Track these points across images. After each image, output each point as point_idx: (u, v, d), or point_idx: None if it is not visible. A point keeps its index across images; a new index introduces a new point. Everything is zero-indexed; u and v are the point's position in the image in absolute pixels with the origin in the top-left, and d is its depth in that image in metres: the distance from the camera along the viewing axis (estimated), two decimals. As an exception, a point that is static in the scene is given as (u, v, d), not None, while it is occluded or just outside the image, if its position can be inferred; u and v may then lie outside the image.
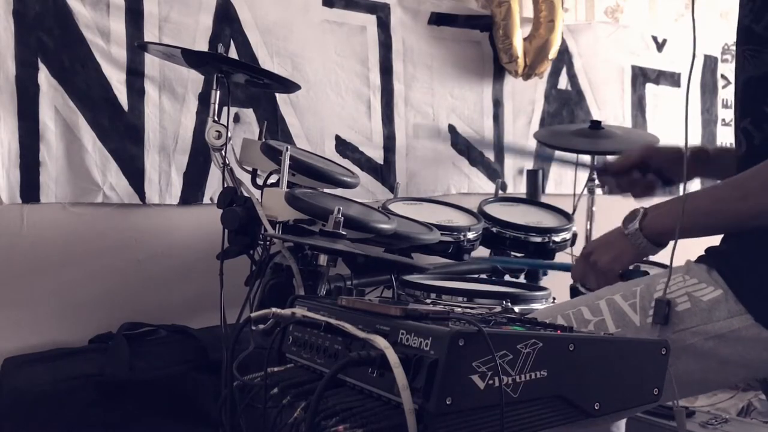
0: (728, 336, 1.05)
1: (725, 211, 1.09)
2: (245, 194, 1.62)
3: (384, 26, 2.48)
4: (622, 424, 1.23)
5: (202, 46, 2.11)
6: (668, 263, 1.12)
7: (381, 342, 0.78)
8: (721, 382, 1.19)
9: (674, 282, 1.11)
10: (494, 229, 2.06)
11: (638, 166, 1.46)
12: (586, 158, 2.71)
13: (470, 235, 1.93)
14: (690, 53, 1.13)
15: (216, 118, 1.71)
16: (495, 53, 2.70)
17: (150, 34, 2.03)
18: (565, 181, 2.94)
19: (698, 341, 1.06)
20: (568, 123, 2.93)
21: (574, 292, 1.89)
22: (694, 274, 1.10)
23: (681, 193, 1.12)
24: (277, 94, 2.24)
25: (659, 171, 1.45)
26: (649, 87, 3.24)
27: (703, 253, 1.15)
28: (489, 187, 2.69)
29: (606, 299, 1.14)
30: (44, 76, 1.89)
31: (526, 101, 2.86)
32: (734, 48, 1.20)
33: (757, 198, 1.05)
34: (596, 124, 2.50)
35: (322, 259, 1.51)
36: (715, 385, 1.22)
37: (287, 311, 0.91)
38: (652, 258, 1.41)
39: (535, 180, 2.63)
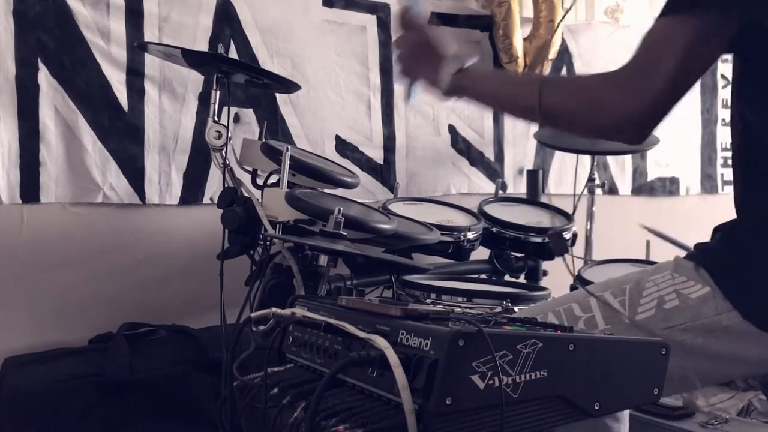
0: (717, 333, 1.06)
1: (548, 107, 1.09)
2: (245, 194, 1.62)
3: (384, 26, 2.48)
4: (625, 420, 1.22)
5: (202, 46, 2.11)
6: (657, 262, 1.13)
7: (381, 342, 0.78)
8: (713, 378, 1.19)
9: (663, 279, 1.11)
10: (494, 229, 2.07)
11: None
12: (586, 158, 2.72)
13: (470, 235, 1.93)
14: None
15: (216, 118, 1.71)
16: (495, 53, 2.70)
17: (150, 34, 2.03)
18: (565, 181, 2.94)
19: (688, 338, 1.07)
20: (568, 123, 2.93)
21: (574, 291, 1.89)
22: (682, 272, 1.11)
23: None
24: (277, 94, 2.24)
25: None
26: (649, 87, 3.24)
27: (692, 249, 1.16)
28: (489, 187, 2.69)
29: (596, 296, 1.15)
30: (44, 76, 1.89)
31: (526, 101, 2.86)
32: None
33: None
34: (596, 124, 2.49)
35: (323, 260, 1.51)
36: (708, 381, 1.22)
37: (287, 311, 0.91)
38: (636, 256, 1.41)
39: (535, 180, 2.63)
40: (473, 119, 2.71)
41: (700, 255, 1.12)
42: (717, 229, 1.15)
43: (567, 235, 2.12)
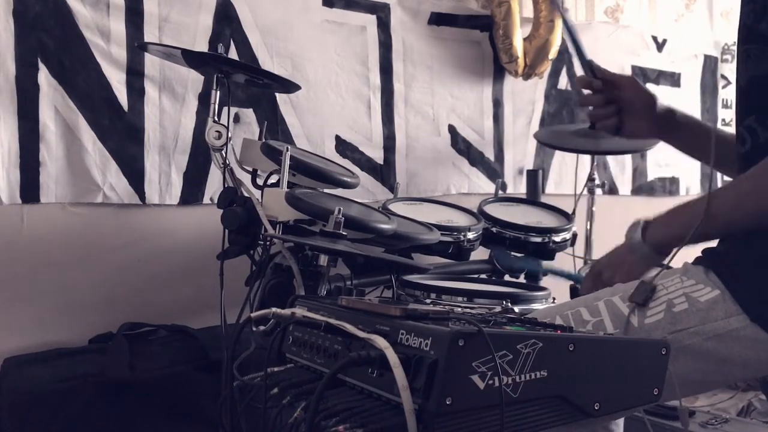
0: (726, 336, 1.05)
1: (723, 218, 1.10)
2: (245, 194, 1.62)
3: (384, 26, 2.48)
4: (621, 423, 1.23)
5: (202, 46, 2.11)
6: (670, 266, 1.12)
7: (381, 342, 0.78)
8: (720, 381, 1.19)
9: (672, 283, 1.11)
10: (494, 229, 2.06)
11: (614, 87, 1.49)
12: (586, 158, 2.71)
13: (470, 235, 1.93)
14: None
15: (216, 118, 1.71)
16: (495, 53, 2.70)
17: (150, 34, 2.03)
18: (565, 181, 2.95)
19: (697, 342, 1.06)
20: (568, 123, 2.93)
21: (574, 292, 1.89)
22: (692, 275, 1.10)
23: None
24: (277, 94, 2.24)
25: (625, 108, 1.49)
26: (649, 87, 3.23)
27: (700, 254, 1.16)
28: (489, 187, 2.69)
29: (605, 300, 1.14)
30: (44, 76, 1.89)
31: (526, 101, 2.86)
32: (734, 48, 1.20)
33: (750, 204, 1.08)
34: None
35: (323, 260, 1.51)
36: (715, 384, 1.22)
37: (287, 311, 0.91)
38: None
39: (535, 180, 2.63)
40: (473, 119, 2.71)
41: (709, 259, 1.12)
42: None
43: (567, 235, 2.12)
